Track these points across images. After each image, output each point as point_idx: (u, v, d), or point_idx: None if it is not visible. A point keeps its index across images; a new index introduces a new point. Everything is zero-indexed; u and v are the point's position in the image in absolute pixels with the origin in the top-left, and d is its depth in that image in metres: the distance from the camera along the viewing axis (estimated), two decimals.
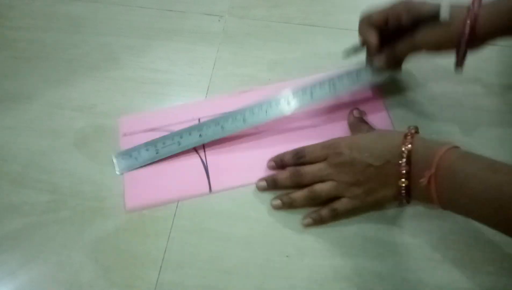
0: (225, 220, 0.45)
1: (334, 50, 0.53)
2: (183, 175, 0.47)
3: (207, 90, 0.53)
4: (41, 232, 0.45)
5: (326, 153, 0.43)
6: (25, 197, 0.47)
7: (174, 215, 0.45)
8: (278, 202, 0.45)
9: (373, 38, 0.45)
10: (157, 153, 0.47)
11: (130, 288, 0.42)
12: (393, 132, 0.45)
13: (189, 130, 0.48)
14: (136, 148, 0.48)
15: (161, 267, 0.43)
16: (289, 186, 0.44)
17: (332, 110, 0.50)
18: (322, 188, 0.43)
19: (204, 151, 0.48)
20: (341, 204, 0.43)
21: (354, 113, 0.48)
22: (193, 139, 0.47)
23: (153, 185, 0.47)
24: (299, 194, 0.44)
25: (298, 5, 0.56)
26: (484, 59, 0.50)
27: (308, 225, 0.44)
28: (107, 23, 0.56)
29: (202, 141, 0.47)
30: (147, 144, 0.48)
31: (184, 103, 0.52)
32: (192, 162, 0.48)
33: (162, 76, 0.54)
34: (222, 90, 0.53)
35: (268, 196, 0.46)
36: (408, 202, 0.41)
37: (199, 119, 0.50)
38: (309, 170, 0.44)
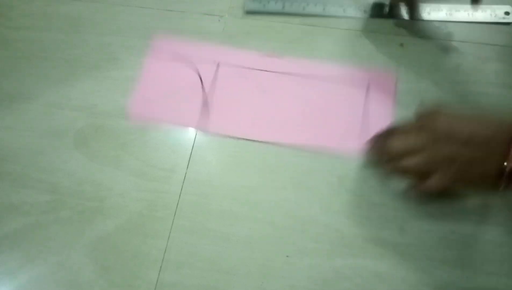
0: (225, 220, 0.45)
1: (334, 50, 0.53)
2: (186, 104, 0.51)
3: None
4: (41, 232, 0.45)
5: (421, 121, 0.38)
6: (25, 197, 0.47)
7: (174, 215, 0.45)
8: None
9: None
10: (283, 8, 0.54)
11: (130, 288, 0.42)
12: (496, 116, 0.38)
13: (315, 2, 0.54)
14: None
15: (161, 267, 0.43)
16: (378, 160, 0.41)
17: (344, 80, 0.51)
18: (409, 162, 0.38)
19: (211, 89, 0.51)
20: (430, 184, 0.38)
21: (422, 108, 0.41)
22: (316, 10, 0.54)
23: (158, 104, 0.51)
24: (385, 169, 0.40)
25: None
26: (483, 59, 0.50)
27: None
28: (107, 23, 0.56)
29: (324, 14, 0.53)
30: None
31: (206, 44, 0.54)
32: (196, 95, 0.51)
33: None
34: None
35: (268, 196, 0.46)
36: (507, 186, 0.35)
37: (218, 64, 0.53)
38: (397, 138, 0.38)
